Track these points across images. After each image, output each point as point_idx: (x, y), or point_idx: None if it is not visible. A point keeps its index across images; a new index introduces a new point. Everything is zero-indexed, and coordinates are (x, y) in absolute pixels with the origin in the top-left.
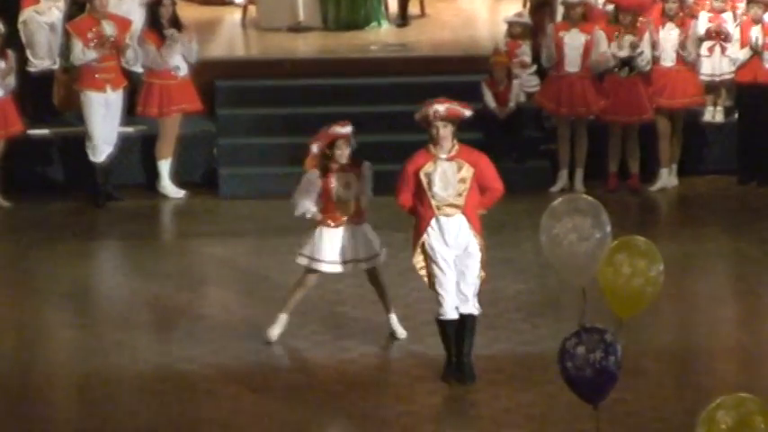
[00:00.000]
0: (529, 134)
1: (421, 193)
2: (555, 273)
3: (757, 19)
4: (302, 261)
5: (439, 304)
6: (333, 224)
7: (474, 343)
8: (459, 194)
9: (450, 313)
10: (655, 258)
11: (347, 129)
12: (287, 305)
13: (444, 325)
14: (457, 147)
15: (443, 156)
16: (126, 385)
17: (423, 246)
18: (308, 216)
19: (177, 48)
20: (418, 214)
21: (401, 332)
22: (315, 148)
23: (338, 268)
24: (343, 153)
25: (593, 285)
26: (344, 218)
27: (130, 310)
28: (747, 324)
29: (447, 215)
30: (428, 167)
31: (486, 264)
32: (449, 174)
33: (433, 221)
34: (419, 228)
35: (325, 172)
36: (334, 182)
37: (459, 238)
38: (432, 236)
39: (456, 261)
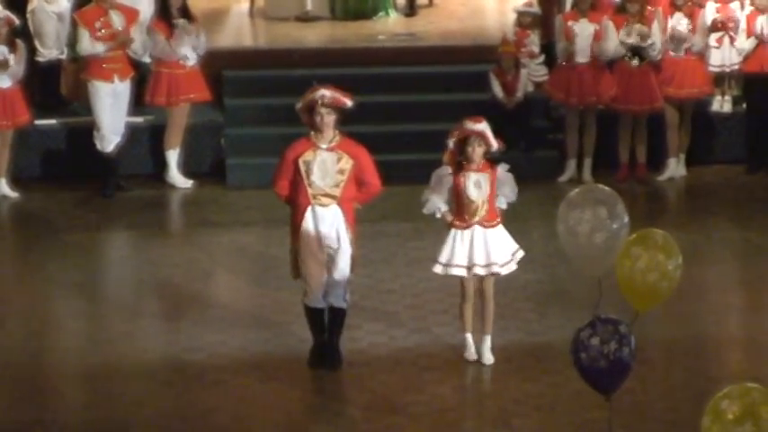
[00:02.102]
0: (537, 124)
1: (298, 181)
2: (567, 263)
3: (763, 8)
4: (437, 269)
5: (305, 293)
6: (461, 225)
7: (343, 332)
8: (336, 185)
9: (316, 303)
10: (672, 252)
11: (479, 126)
12: (465, 325)
13: (311, 312)
14: (338, 138)
15: (324, 145)
16: (134, 375)
17: (301, 234)
18: (438, 215)
19: (186, 38)
20: (294, 203)
21: (488, 358)
22: (450, 144)
23: (474, 271)
24: (475, 151)
25: (608, 277)
26: (473, 219)
27: (139, 300)
28: (755, 313)
29: (322, 205)
30: (307, 156)
31: (357, 259)
32: (328, 163)
33: (308, 210)
34: (296, 216)
35: (458, 170)
36: (464, 180)
37: (333, 229)
38: (306, 225)
39: (328, 253)
